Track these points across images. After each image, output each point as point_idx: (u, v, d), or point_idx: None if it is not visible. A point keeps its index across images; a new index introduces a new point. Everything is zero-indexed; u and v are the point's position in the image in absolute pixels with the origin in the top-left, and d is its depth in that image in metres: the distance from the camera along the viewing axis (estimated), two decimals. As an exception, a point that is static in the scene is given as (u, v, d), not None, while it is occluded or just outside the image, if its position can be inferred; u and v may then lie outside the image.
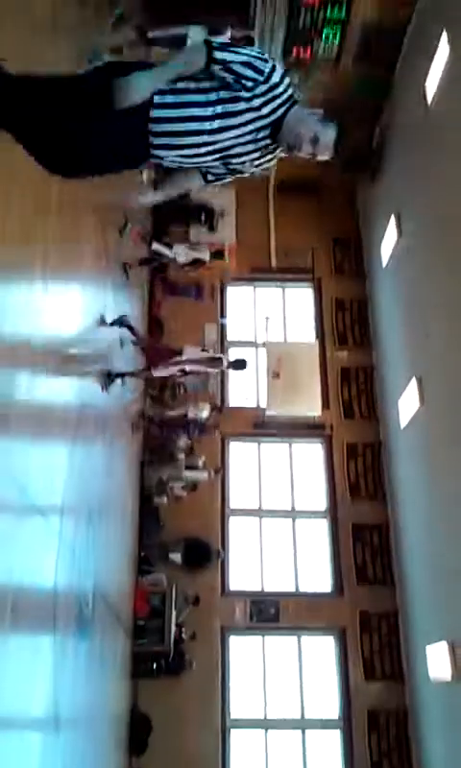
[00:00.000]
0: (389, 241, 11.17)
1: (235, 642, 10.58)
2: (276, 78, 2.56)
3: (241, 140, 2.60)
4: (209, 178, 2.83)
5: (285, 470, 11.72)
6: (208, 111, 2.53)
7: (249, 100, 2.55)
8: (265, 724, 10.23)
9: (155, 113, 2.51)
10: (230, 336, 12.59)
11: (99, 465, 6.66)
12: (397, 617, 10.31)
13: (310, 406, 11.06)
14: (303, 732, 10.22)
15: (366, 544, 10.76)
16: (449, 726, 8.43)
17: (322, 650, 10.65)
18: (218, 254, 11.90)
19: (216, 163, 2.70)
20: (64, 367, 5.08)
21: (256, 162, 2.72)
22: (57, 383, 4.90)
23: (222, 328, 12.46)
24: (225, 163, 2.71)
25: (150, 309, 11.67)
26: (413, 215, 10.22)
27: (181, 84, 2.54)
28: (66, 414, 5.16)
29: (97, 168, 2.75)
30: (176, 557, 10.17)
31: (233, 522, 11.27)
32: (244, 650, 10.59)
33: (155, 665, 9.68)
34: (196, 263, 11.54)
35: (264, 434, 11.68)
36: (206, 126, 2.54)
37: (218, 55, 2.52)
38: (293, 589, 10.89)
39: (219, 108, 2.54)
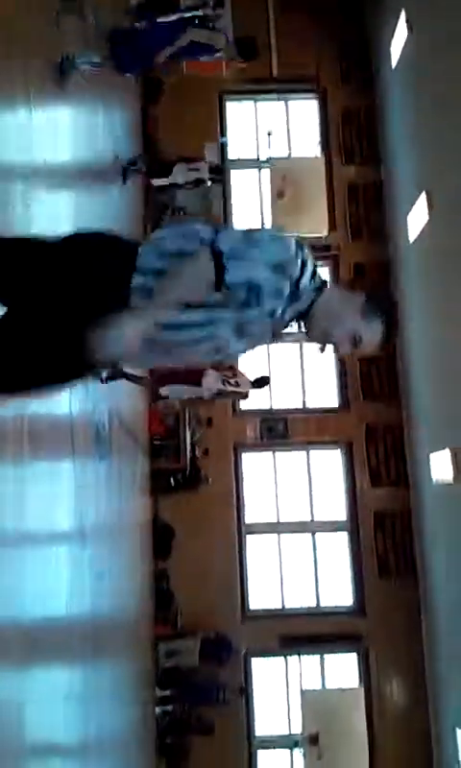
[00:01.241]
0: (399, 39, 10.36)
1: (248, 458, 11.13)
2: (305, 277, 1.90)
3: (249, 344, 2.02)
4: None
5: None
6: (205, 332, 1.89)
7: (266, 314, 1.91)
8: (277, 528, 11.01)
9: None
10: (232, 155, 12.05)
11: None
12: (401, 430, 10.72)
13: (317, 226, 10.77)
14: (313, 536, 11.01)
15: (372, 359, 10.97)
16: (450, 523, 9.05)
17: (329, 462, 11.21)
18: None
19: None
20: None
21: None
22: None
23: (222, 148, 11.90)
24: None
25: (144, 128, 11.08)
26: (424, 6, 9.44)
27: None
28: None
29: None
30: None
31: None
32: (256, 465, 11.17)
33: (173, 481, 10.28)
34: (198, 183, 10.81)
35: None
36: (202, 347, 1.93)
37: (232, 277, 1.82)
38: (301, 406, 11.28)
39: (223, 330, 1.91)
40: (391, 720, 9.97)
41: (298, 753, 9.65)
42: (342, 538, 10.94)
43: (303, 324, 1.98)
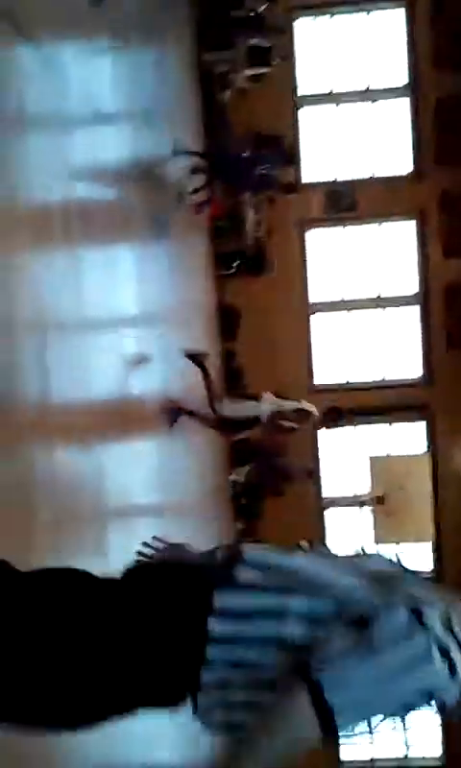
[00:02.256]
0: None
1: (313, 236, 10.73)
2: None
3: None
4: None
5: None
6: None
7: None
8: (346, 305, 10.87)
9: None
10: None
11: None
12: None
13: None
14: (383, 311, 10.86)
15: (449, 120, 10.01)
16: None
17: (400, 235, 10.72)
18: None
19: None
20: None
21: None
22: None
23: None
24: None
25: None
26: None
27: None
28: None
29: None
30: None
31: (305, 113, 10.61)
32: (322, 242, 10.78)
33: (236, 264, 10.04)
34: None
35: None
36: None
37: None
38: (370, 176, 10.60)
39: None
40: (455, 486, 10.40)
41: (365, 510, 10.27)
42: (412, 312, 10.76)
43: None
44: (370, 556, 1.44)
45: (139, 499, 4.55)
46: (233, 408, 6.31)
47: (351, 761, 10.83)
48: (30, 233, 2.95)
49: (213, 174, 8.09)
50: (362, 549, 1.48)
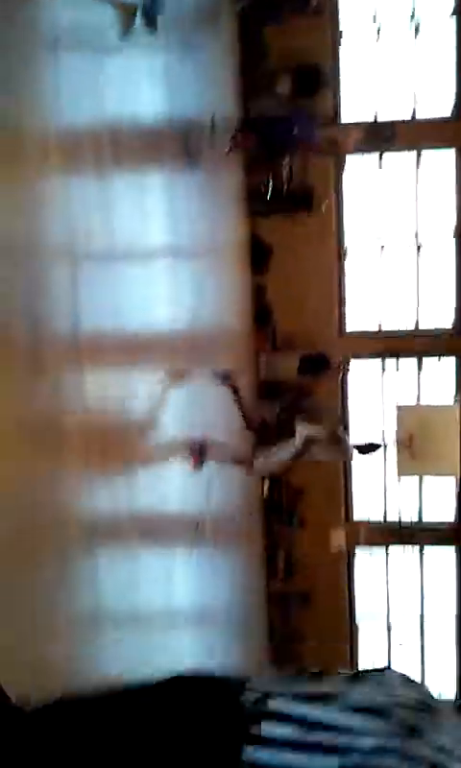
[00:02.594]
0: None
1: (350, 163, 10.52)
2: None
3: None
4: None
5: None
6: None
7: None
8: (381, 246, 10.72)
9: None
10: None
11: None
12: None
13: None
14: (418, 250, 10.70)
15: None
16: None
17: (441, 167, 10.45)
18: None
19: None
20: None
21: None
22: None
23: None
24: None
25: None
26: None
27: None
28: None
29: None
30: (284, 88, 9.56)
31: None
32: (359, 174, 10.56)
33: (270, 198, 9.90)
34: None
35: None
36: None
37: None
38: (409, 117, 10.32)
39: None
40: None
41: (390, 451, 10.34)
42: (448, 256, 10.58)
43: None
44: (386, 675, 1.34)
45: (168, 430, 4.66)
46: (266, 464, 6.09)
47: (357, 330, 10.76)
48: (61, 161, 2.97)
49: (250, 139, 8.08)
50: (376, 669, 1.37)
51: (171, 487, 4.49)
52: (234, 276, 8.66)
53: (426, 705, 1.24)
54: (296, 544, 10.55)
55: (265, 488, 10.30)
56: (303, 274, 10.20)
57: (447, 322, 10.63)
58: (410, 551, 10.76)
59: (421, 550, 10.95)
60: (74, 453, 2.84)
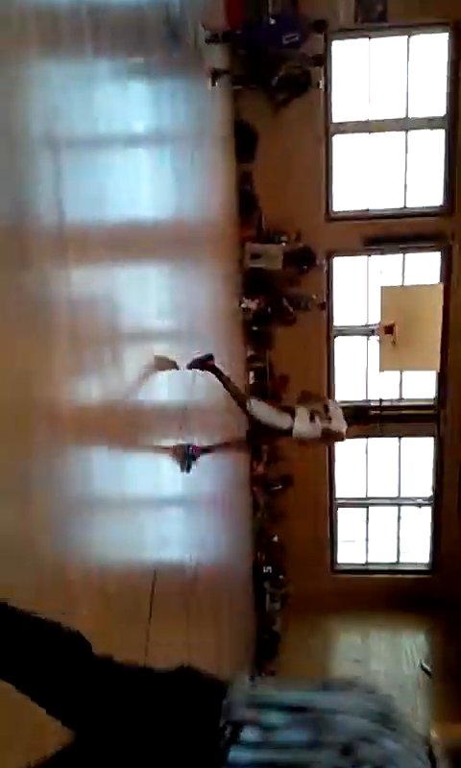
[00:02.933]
0: None
1: (339, 46, 10.09)
2: None
3: None
4: None
5: None
6: None
7: None
8: (369, 127, 10.41)
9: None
10: None
11: None
12: None
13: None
14: (406, 135, 10.42)
15: None
16: None
17: (431, 50, 10.07)
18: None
19: None
20: None
21: None
22: None
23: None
24: None
25: None
26: None
27: None
28: None
29: None
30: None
31: None
32: (347, 54, 10.15)
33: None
34: None
35: None
36: None
37: None
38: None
39: None
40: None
41: (373, 340, 10.47)
42: (437, 136, 10.32)
43: None
44: (350, 686, 1.32)
45: (153, 321, 4.69)
46: (261, 410, 6.00)
47: (343, 211, 10.77)
48: (38, 44, 2.84)
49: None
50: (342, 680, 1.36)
51: (158, 379, 4.57)
52: (219, 164, 8.44)
53: (384, 716, 1.24)
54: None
55: (251, 375, 10.47)
56: (289, 158, 9.96)
57: (435, 201, 10.54)
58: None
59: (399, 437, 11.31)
60: (61, 345, 2.88)
